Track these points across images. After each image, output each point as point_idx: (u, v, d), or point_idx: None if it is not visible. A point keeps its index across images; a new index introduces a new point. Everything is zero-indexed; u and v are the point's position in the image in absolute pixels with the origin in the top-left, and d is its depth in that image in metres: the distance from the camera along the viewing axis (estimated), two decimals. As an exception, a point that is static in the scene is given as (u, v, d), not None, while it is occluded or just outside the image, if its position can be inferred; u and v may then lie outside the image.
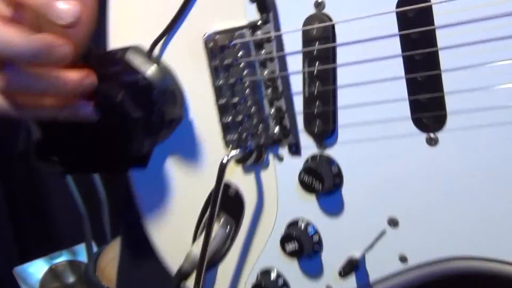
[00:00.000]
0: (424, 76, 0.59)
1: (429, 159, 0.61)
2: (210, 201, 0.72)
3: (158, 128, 0.76)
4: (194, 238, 0.78)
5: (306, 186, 0.67)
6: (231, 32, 0.68)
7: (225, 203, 0.75)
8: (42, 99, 0.68)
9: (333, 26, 0.64)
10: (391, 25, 0.60)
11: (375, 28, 0.61)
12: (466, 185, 0.60)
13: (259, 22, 0.67)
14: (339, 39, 0.64)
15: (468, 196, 0.60)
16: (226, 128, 0.72)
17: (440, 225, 0.62)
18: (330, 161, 0.67)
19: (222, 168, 0.70)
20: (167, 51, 0.75)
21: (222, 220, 0.76)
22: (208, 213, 0.72)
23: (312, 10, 0.65)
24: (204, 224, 0.77)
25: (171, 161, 0.79)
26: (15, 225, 2.54)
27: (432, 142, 0.61)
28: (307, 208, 0.70)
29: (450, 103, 0.59)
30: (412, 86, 0.60)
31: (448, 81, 0.59)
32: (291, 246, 0.69)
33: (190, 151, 0.76)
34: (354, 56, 0.63)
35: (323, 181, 0.65)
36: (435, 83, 0.59)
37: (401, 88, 0.61)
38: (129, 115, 0.74)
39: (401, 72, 0.61)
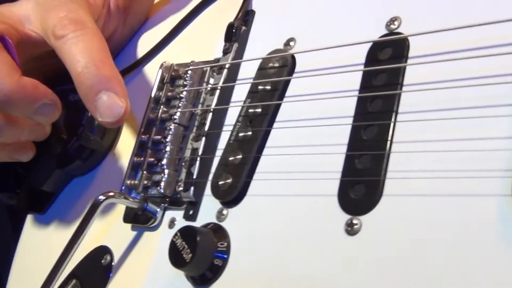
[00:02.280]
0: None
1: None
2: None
3: (73, 158, 0.62)
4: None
5: (174, 252, 0.46)
6: (190, 64, 0.56)
7: (91, 271, 0.56)
8: None
9: (293, 63, 0.49)
10: (354, 83, 0.44)
11: (336, 84, 0.46)
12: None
13: (221, 54, 0.54)
14: (292, 86, 0.49)
15: None
16: (132, 169, 0.56)
17: None
18: (222, 235, 0.47)
19: (94, 206, 0.51)
20: (131, 83, 0.64)
21: None
22: (53, 265, 0.52)
23: (280, 46, 0.51)
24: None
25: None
26: None
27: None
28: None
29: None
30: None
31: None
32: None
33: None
34: (300, 107, 0.47)
35: (195, 252, 0.45)
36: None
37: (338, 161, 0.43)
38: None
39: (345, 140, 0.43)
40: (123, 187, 0.55)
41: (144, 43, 0.66)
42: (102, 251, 0.56)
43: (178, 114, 0.53)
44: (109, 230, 0.57)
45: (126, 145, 0.60)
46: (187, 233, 0.46)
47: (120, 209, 0.56)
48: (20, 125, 0.53)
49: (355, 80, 0.44)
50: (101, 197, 0.51)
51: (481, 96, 0.37)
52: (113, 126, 0.51)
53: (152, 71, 0.61)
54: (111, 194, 0.52)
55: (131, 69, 0.65)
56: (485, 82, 0.37)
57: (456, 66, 0.39)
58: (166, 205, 0.53)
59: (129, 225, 0.55)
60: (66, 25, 0.51)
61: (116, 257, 0.54)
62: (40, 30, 0.54)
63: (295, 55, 0.49)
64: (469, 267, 0.34)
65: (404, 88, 0.41)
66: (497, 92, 0.37)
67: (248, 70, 0.52)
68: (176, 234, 0.46)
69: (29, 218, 0.67)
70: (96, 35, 0.52)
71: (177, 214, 0.52)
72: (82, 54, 0.50)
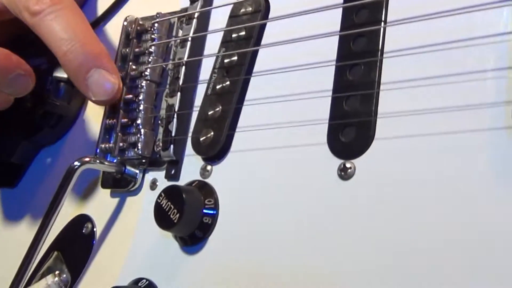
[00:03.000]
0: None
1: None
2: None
3: (40, 126, 0.59)
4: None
5: (160, 214, 0.44)
6: (156, 17, 0.53)
7: (72, 241, 0.54)
8: None
9: (267, 7, 0.47)
10: (334, 23, 0.42)
11: (314, 26, 0.43)
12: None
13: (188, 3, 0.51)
14: (269, 31, 0.46)
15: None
16: (105, 133, 0.53)
17: None
18: (208, 192, 0.45)
19: (69, 173, 0.49)
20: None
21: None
22: (33, 239, 0.50)
23: (250, -9, 0.49)
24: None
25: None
26: None
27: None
28: (163, 263, 0.46)
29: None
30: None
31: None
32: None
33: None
34: (278, 53, 0.45)
35: (182, 211, 0.43)
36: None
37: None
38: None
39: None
40: (98, 151, 0.53)
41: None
42: (82, 219, 0.54)
43: (148, 70, 0.51)
44: (87, 198, 0.55)
45: (95, 107, 0.57)
46: (172, 193, 0.44)
47: (97, 175, 0.54)
48: None
49: (335, 19, 0.42)
50: (76, 163, 0.49)
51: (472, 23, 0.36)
52: (107, 104, 0.50)
53: (116, 28, 0.58)
54: (87, 159, 0.49)
55: (92, 26, 0.61)
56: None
57: (442, -4, 0.37)
58: (145, 166, 0.50)
59: (108, 191, 0.53)
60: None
61: (98, 224, 0.52)
62: (5, 0, 0.50)
63: (269, -2, 0.47)
64: (465, 200, 0.33)
65: (388, 23, 0.40)
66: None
67: (218, 18, 0.50)
68: (160, 195, 0.44)
69: (-1, 193, 0.64)
70: (74, 8, 0.49)
71: (158, 175, 0.49)
72: (65, 31, 0.47)
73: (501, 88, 0.34)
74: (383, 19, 0.40)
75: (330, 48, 0.42)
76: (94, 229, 0.53)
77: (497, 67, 0.34)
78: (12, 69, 0.48)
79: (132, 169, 0.51)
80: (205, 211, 0.44)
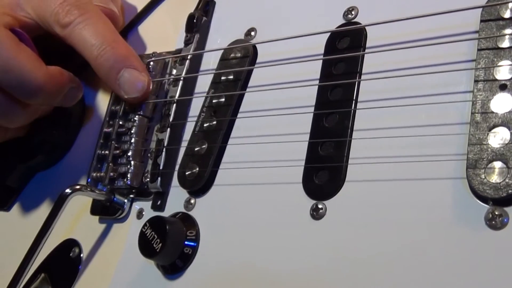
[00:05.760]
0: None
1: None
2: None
3: (35, 152, 0.61)
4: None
5: (144, 242, 0.47)
6: (152, 56, 0.56)
7: (59, 264, 0.56)
8: None
9: (254, 53, 0.50)
10: (315, 72, 0.46)
11: (296, 73, 0.47)
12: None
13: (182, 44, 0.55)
14: (255, 75, 0.50)
15: None
16: (97, 162, 0.56)
17: None
18: (191, 224, 0.48)
19: (61, 199, 0.52)
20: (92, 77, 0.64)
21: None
22: (22, 261, 0.52)
23: (241, 37, 0.52)
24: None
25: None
26: None
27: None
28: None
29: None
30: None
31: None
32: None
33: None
34: (262, 97, 0.48)
35: (165, 241, 0.46)
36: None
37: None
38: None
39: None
40: (89, 180, 0.55)
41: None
42: (70, 244, 0.56)
43: (142, 105, 0.54)
44: (76, 223, 0.57)
45: (89, 138, 0.60)
46: (156, 223, 0.47)
47: (87, 202, 0.56)
48: (33, 110, 0.54)
49: (315, 69, 0.46)
50: (68, 190, 0.52)
51: (435, 83, 0.39)
52: (139, 100, 0.52)
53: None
54: (78, 187, 0.52)
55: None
56: (440, 70, 0.39)
57: (412, 54, 0.41)
58: (133, 196, 0.53)
59: (96, 218, 0.55)
60: (70, 11, 0.51)
61: (85, 249, 0.55)
62: (34, 16, 0.53)
63: (257, 45, 0.50)
64: (428, 246, 0.36)
65: (363, 77, 0.43)
66: (451, 78, 0.39)
67: (210, 60, 0.53)
68: (145, 225, 0.47)
69: (-7, 215, 0.66)
70: (101, 16, 0.52)
71: (145, 205, 0.52)
72: (95, 37, 0.50)
73: (460, 143, 0.37)
74: (358, 70, 0.43)
75: (309, 95, 0.45)
76: (81, 254, 0.55)
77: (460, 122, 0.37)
78: (67, 84, 0.52)
79: (121, 198, 0.53)
80: (186, 242, 0.47)
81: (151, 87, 0.53)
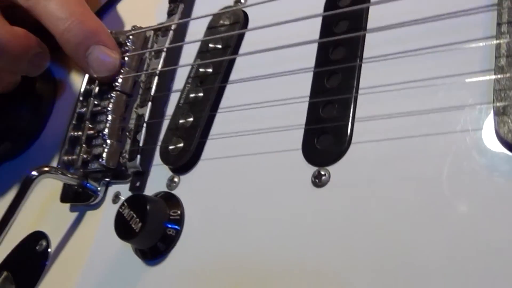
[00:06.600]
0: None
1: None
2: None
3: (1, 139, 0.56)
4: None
5: (121, 224, 0.41)
6: (132, 30, 0.51)
7: (24, 260, 0.50)
8: None
9: (245, 19, 0.46)
10: (313, 32, 0.41)
11: (293, 35, 0.42)
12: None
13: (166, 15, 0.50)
14: (246, 41, 0.45)
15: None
16: (69, 145, 0.50)
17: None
18: (174, 203, 0.42)
19: (26, 183, 0.46)
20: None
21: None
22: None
23: (230, 3, 0.48)
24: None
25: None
26: None
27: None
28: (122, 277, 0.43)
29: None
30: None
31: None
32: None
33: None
34: (255, 61, 0.43)
35: (145, 220, 0.40)
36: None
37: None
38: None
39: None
40: (59, 165, 0.50)
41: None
42: (37, 236, 0.50)
43: (120, 80, 0.49)
44: (44, 213, 0.51)
45: (61, 122, 0.54)
46: (135, 202, 0.41)
47: (56, 189, 0.51)
48: None
49: (314, 29, 0.41)
50: (34, 173, 0.46)
51: (453, 29, 0.35)
52: (109, 80, 0.48)
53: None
54: (46, 169, 0.47)
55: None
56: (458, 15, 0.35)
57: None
58: (108, 179, 0.48)
59: (67, 206, 0.50)
60: None
61: (53, 242, 0.49)
62: None
63: (247, 10, 0.46)
64: (440, 205, 0.31)
65: (367, 34, 0.39)
66: (471, 22, 0.35)
67: (196, 30, 0.48)
68: (123, 204, 0.42)
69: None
70: None
71: (122, 188, 0.47)
72: (61, 10, 0.46)
73: (483, 91, 0.33)
74: (362, 26, 0.39)
75: (308, 56, 0.40)
76: (49, 248, 0.49)
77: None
78: (33, 46, 0.47)
79: (94, 183, 0.48)
80: (169, 223, 0.41)
81: (130, 64, 0.48)
